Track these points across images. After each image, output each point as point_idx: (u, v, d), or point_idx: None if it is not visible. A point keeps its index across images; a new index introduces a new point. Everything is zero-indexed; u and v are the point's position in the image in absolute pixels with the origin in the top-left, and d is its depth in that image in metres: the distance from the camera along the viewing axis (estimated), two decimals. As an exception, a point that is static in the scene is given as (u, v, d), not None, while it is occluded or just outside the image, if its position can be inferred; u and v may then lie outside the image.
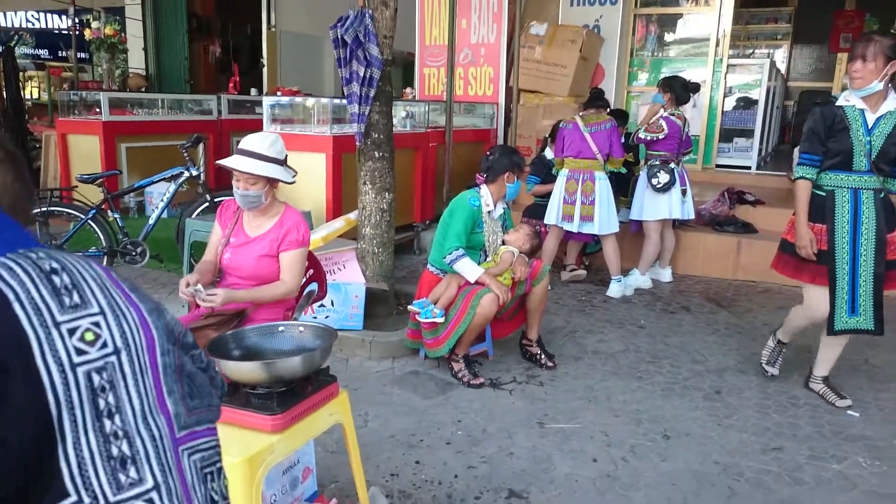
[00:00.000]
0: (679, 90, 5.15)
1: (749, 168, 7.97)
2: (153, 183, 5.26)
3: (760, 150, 8.27)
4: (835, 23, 12.34)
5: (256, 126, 6.11)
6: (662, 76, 7.80)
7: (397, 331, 3.97)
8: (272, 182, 2.61)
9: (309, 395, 1.90)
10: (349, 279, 4.08)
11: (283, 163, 2.63)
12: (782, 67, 12.37)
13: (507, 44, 7.38)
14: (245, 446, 1.72)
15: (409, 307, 3.60)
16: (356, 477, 2.15)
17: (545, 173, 5.47)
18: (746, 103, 8.20)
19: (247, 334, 2.06)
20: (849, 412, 3.30)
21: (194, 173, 5.08)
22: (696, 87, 5.26)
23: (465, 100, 7.52)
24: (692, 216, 5.45)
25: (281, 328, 2.08)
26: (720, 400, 3.42)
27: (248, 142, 2.59)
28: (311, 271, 2.92)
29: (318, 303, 3.87)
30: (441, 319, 3.45)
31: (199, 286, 2.50)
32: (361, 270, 4.17)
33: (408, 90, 8.19)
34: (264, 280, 2.64)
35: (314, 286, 2.86)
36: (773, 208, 6.10)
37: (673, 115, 5.12)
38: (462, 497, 2.53)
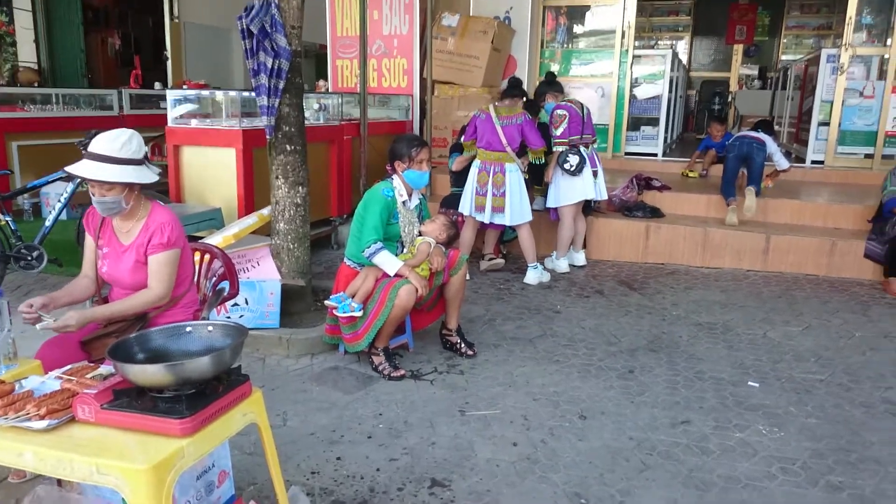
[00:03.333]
0: (545, 87, 5.52)
1: (655, 155, 8.29)
2: (49, 183, 4.96)
3: (666, 138, 8.61)
4: (730, 15, 12.99)
5: (161, 122, 5.87)
6: (573, 65, 8.05)
7: (315, 327, 3.91)
8: (132, 184, 2.40)
9: (220, 395, 1.84)
10: (264, 276, 3.99)
11: (140, 162, 2.39)
12: (684, 58, 12.93)
13: (419, 35, 7.37)
14: (152, 452, 1.64)
15: (327, 302, 3.55)
16: (274, 477, 2.10)
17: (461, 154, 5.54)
18: (651, 93, 8.52)
19: (152, 336, 1.97)
20: (749, 383, 3.50)
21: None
22: (551, 75, 5.72)
23: (380, 91, 7.47)
24: (604, 196, 5.66)
25: (188, 328, 2.00)
26: (633, 378, 3.55)
27: (98, 143, 2.33)
28: (221, 269, 2.83)
29: (232, 301, 3.77)
30: (359, 313, 3.42)
31: (43, 312, 2.28)
32: (276, 267, 4.08)
33: (321, 82, 8.06)
34: None
35: (225, 284, 2.78)
36: (678, 193, 6.38)
37: (564, 101, 5.31)
38: (384, 489, 2.53)
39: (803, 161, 7.62)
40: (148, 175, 2.42)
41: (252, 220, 4.25)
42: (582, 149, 5.27)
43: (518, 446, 2.85)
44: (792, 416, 3.15)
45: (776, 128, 9.09)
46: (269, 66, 3.86)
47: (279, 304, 3.90)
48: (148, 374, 1.76)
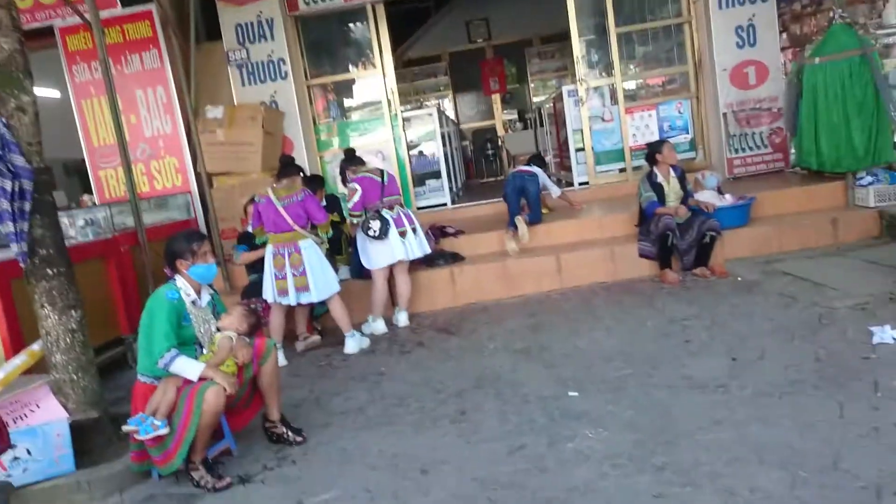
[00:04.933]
0: (345, 164, 5.66)
1: (445, 204, 8.67)
2: None
3: (451, 187, 9.06)
4: (482, 70, 14.18)
5: None
6: (348, 144, 8.23)
7: (120, 458, 3.48)
8: None
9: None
10: (47, 418, 3.49)
11: None
12: (451, 114, 13.83)
13: (186, 132, 7.14)
14: None
15: (125, 427, 3.18)
16: None
17: (251, 243, 5.37)
18: (428, 150, 8.95)
19: None
20: (570, 393, 3.68)
21: None
22: (349, 152, 5.77)
23: (154, 194, 7.08)
24: (427, 251, 5.68)
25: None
26: (465, 420, 3.58)
27: None
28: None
29: (11, 456, 3.25)
30: (165, 430, 3.11)
31: None
32: (62, 404, 3.59)
33: (85, 197, 7.48)
34: None
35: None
36: (472, 235, 6.71)
37: (359, 174, 5.42)
38: None
39: (572, 184, 8.40)
40: None
41: (21, 360, 3.72)
42: (385, 212, 5.35)
43: (364, 521, 2.72)
44: (611, 415, 3.35)
45: (547, 159, 9.98)
46: (10, 188, 3.49)
47: (70, 444, 3.42)
48: None
